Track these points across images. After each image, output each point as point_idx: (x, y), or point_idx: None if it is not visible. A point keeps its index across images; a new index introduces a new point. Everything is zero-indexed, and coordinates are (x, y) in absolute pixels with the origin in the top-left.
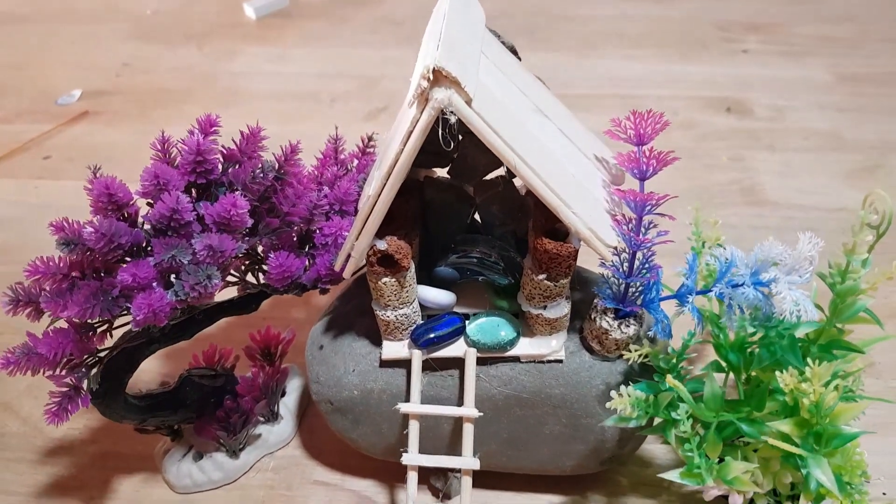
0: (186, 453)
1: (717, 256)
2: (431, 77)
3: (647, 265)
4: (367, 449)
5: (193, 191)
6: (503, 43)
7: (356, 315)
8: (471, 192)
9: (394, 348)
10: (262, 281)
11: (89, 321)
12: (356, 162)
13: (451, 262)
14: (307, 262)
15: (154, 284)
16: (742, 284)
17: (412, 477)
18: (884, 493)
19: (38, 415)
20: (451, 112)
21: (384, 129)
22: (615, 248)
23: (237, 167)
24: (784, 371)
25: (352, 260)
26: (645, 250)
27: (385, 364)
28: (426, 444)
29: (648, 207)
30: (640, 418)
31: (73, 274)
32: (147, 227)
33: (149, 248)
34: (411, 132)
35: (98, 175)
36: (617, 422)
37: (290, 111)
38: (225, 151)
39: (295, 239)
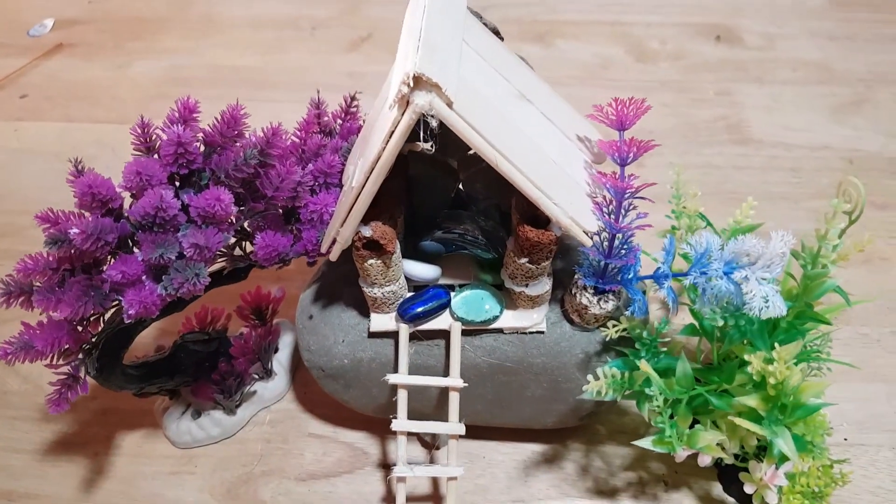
0: (185, 411)
1: (692, 245)
2: (412, 84)
3: (625, 246)
4: (359, 408)
5: (177, 178)
6: (485, 24)
7: (344, 284)
8: (455, 166)
9: (381, 321)
10: (248, 251)
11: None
12: (339, 122)
13: (436, 238)
14: (293, 238)
15: (143, 278)
16: (715, 276)
17: (402, 441)
18: (845, 439)
19: (37, 372)
20: (432, 116)
21: (368, 63)
22: (596, 232)
23: (219, 155)
24: (753, 351)
25: (337, 244)
26: (624, 233)
27: (373, 335)
28: (415, 405)
29: (628, 194)
30: (617, 393)
31: (64, 267)
32: (133, 219)
33: (136, 238)
34: (392, 132)
35: (80, 168)
36: (593, 396)
37: (270, 41)
38: (205, 136)
39: (280, 213)
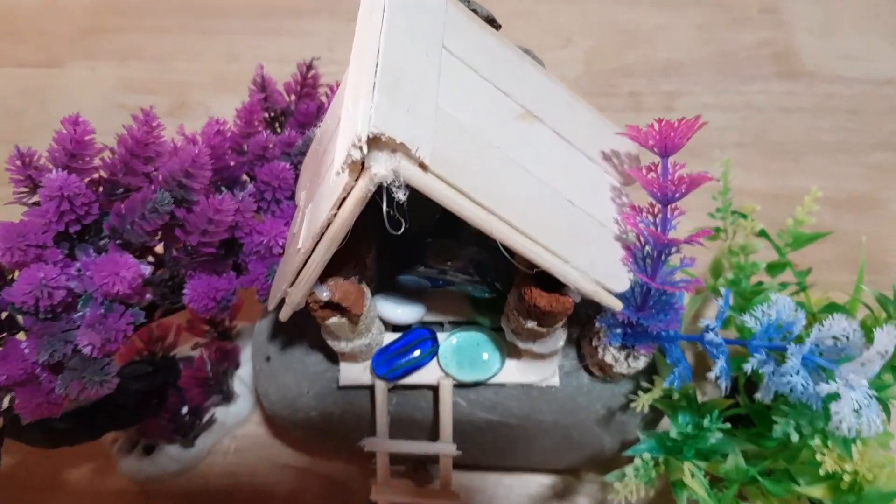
0: (136, 445)
1: (757, 317)
2: (366, 148)
3: (663, 299)
4: (335, 450)
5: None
6: (475, 12)
7: (308, 316)
8: None
9: (353, 373)
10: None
11: None
12: (293, 99)
13: (418, 273)
14: (236, 275)
15: (38, 371)
16: (790, 373)
17: None
18: None
19: None
20: (398, 187)
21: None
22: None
23: (122, 201)
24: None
25: (287, 306)
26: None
27: (344, 388)
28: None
29: (672, 249)
30: (650, 484)
31: None
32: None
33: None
34: (344, 199)
35: None
36: (618, 479)
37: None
38: (105, 171)
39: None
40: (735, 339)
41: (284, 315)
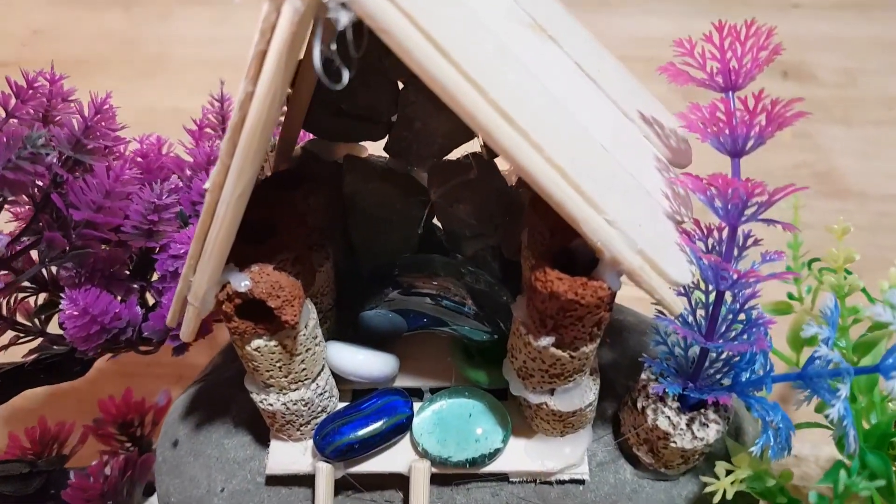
0: None
1: (893, 304)
2: None
3: (742, 312)
4: None
5: None
6: None
7: (237, 386)
8: (423, 182)
9: (287, 456)
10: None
11: None
12: None
13: (390, 303)
14: (143, 302)
15: None
16: None
17: None
18: None
19: None
20: (342, 4)
21: None
22: (684, 290)
23: None
24: None
25: (191, 309)
26: (741, 291)
27: (274, 481)
28: None
29: (753, 210)
30: None
31: None
32: None
33: None
34: (265, 53)
35: None
36: None
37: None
38: None
39: (127, 262)
40: (862, 368)
41: (187, 331)
